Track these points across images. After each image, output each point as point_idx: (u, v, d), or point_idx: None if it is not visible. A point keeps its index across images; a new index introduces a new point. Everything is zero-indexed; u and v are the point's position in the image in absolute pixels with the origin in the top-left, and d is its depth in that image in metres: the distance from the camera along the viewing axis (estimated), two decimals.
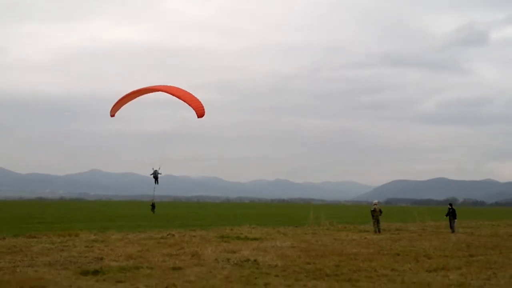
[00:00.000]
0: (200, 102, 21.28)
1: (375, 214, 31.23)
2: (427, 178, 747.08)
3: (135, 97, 22.31)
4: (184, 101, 20.85)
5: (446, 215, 33.39)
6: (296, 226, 35.38)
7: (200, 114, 20.90)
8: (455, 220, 32.78)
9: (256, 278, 12.98)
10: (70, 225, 34.40)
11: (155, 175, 53.34)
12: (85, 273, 13.15)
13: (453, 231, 31.55)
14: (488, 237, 28.92)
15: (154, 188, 40.06)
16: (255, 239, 24.35)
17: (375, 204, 32.00)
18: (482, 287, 12.48)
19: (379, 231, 30.55)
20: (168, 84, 22.09)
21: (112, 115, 22.93)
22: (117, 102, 22.29)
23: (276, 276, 13.37)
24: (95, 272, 13.19)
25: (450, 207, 33.53)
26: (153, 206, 57.17)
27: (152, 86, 21.66)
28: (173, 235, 25.77)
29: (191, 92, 21.70)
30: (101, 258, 15.92)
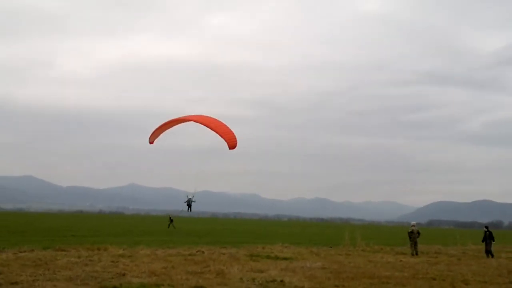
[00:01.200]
0: (233, 133, 21.69)
1: (413, 236, 30.11)
2: (471, 200, 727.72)
3: (172, 126, 22.86)
4: (217, 132, 21.16)
5: (483, 240, 31.24)
6: (331, 247, 34.45)
7: (232, 145, 21.27)
8: (493, 243, 30.89)
9: None
10: (102, 239, 34.47)
11: (189, 203, 54.22)
12: None
13: (491, 256, 29.95)
14: None
15: (182, 210, 40.75)
16: (285, 258, 23.69)
17: (413, 226, 30.90)
18: None
19: (417, 254, 29.38)
20: (204, 114, 22.61)
21: (151, 142, 23.52)
22: (155, 130, 22.84)
23: None
24: None
25: (486, 229, 31.68)
26: (171, 220, 59.14)
27: (188, 116, 22.21)
28: (203, 252, 25.37)
29: (225, 123, 22.19)
30: (124, 274, 15.59)
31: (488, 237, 30.80)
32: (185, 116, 22.06)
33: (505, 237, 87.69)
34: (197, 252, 25.21)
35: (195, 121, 21.64)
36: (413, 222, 31.88)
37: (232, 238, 43.03)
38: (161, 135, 23.64)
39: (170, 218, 63.07)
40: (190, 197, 56.57)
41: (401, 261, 25.24)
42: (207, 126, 21.23)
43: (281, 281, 15.37)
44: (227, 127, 21.64)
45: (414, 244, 29.98)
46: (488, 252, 30.38)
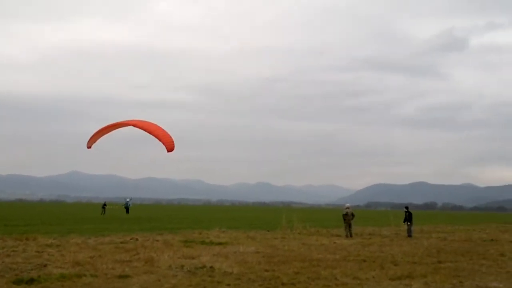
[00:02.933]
0: (170, 137, 22.12)
1: (347, 218, 30.51)
2: (408, 182, 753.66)
3: (111, 131, 22.71)
4: (156, 136, 21.27)
5: (404, 221, 31.88)
6: (268, 230, 34.48)
7: (170, 148, 21.51)
8: (410, 223, 31.47)
9: (205, 287, 12.07)
10: (35, 228, 33.13)
11: (126, 206, 54.26)
12: (19, 282, 12.10)
13: (410, 235, 30.62)
14: (461, 242, 28.33)
15: (118, 208, 40.94)
16: (220, 243, 23.43)
17: (347, 208, 31.27)
18: None
19: (351, 236, 29.82)
20: (142, 119, 22.62)
21: (89, 147, 23.03)
22: (94, 135, 22.47)
23: (228, 285, 12.47)
24: (30, 281, 12.15)
25: (406, 210, 32.22)
26: (104, 207, 58.28)
27: (126, 121, 22.19)
28: (136, 239, 24.70)
29: (162, 126, 22.28)
30: (45, 265, 14.85)
31: (408, 218, 31.34)
32: (123, 121, 22.11)
33: (438, 217, 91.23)
34: (130, 239, 24.52)
35: (133, 125, 21.65)
36: (347, 204, 32.30)
37: (171, 225, 42.40)
38: (99, 140, 23.39)
39: (104, 204, 61.82)
40: (127, 200, 56.55)
41: (335, 243, 25.50)
42: (145, 130, 21.50)
43: (211, 267, 15.07)
44: (165, 131, 22.02)
45: (348, 226, 30.39)
46: (408, 231, 31.02)
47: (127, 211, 53.78)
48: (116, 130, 22.88)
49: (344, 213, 30.97)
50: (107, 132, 22.78)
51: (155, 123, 22.51)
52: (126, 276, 13.31)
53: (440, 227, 45.43)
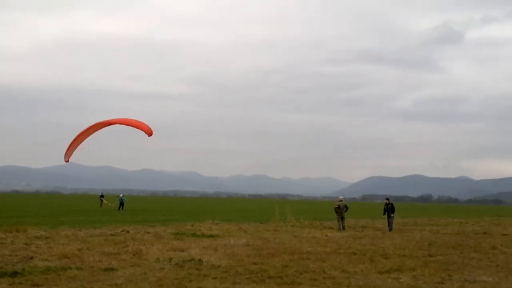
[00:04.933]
0: (146, 125, 21.34)
1: (339, 210, 30.39)
2: (403, 175, 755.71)
3: (85, 138, 22.05)
4: (132, 125, 20.93)
5: (384, 213, 30.26)
6: (261, 223, 34.41)
7: (150, 132, 21.06)
8: (393, 216, 30.02)
9: (190, 281, 11.94)
10: (27, 220, 33.00)
11: (121, 201, 54.63)
12: (2, 275, 11.93)
13: (390, 229, 29.46)
14: (453, 235, 28.27)
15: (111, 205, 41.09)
16: (211, 236, 23.32)
17: (340, 201, 31.13)
18: None
19: (344, 228, 29.73)
20: (118, 117, 22.18)
21: (67, 161, 22.43)
22: (69, 147, 21.80)
23: (214, 278, 12.35)
24: (14, 274, 12.00)
25: (388, 202, 30.40)
26: (101, 198, 59.24)
27: (98, 123, 21.38)
28: (128, 231, 24.56)
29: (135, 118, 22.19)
30: (31, 258, 14.70)
31: (390, 210, 30.02)
32: (95, 124, 21.37)
33: (433, 210, 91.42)
34: (121, 231, 24.38)
35: (107, 124, 21.17)
36: (340, 197, 32.17)
37: (164, 217, 42.32)
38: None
39: (101, 196, 62.04)
40: (121, 196, 56.99)
41: (326, 236, 25.41)
42: (121, 124, 21.08)
43: (199, 260, 14.95)
44: (138, 121, 21.48)
45: (341, 218, 30.29)
46: (389, 224, 29.93)
47: (121, 207, 53.86)
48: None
49: (336, 206, 30.83)
50: (82, 140, 22.21)
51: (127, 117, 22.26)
52: (112, 269, 13.18)
53: (434, 220, 45.42)
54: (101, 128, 21.04)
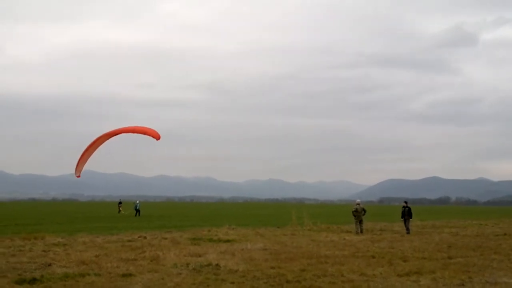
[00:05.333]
0: (153, 130, 21.37)
1: (357, 214, 30.18)
2: (421, 177, 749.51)
3: (94, 150, 22.05)
4: (139, 132, 20.93)
5: (402, 217, 30.47)
6: (278, 227, 34.30)
7: (157, 136, 20.96)
8: (410, 219, 30.39)
9: (208, 286, 11.90)
10: (44, 227, 33.24)
11: (136, 208, 55.48)
12: (21, 281, 12.02)
13: (408, 232, 29.44)
14: (473, 237, 27.92)
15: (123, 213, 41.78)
16: (228, 241, 23.28)
17: (357, 204, 30.92)
18: None
19: (362, 232, 29.51)
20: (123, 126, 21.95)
21: (78, 176, 22.43)
22: (79, 162, 21.84)
23: (232, 283, 12.29)
24: (33, 281, 12.06)
25: (405, 205, 30.57)
26: (119, 205, 60.04)
27: (105, 134, 21.42)
28: (145, 237, 24.63)
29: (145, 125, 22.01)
30: (50, 264, 14.77)
31: (407, 214, 30.12)
32: (100, 136, 21.45)
33: (451, 212, 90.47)
34: (138, 237, 24.45)
35: (112, 134, 21.16)
36: (358, 200, 31.96)
37: (181, 222, 42.41)
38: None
39: (119, 202, 62.48)
40: (137, 202, 57.77)
41: (344, 239, 25.22)
42: (128, 132, 21.06)
43: (217, 264, 14.91)
44: (145, 127, 21.45)
45: (359, 222, 30.08)
46: (407, 229, 29.90)
47: (137, 213, 54.45)
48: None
49: (353, 209, 30.64)
50: (91, 153, 22.23)
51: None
52: (130, 275, 13.19)
53: (453, 222, 44.94)
54: (108, 138, 21.07)
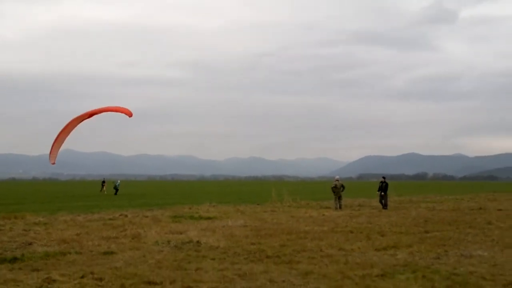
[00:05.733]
0: (125, 108, 21.14)
1: (336, 190, 30.56)
2: (399, 154, 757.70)
3: (67, 135, 21.66)
4: (111, 110, 20.73)
5: (379, 190, 31.25)
6: (258, 204, 34.58)
7: (130, 113, 20.69)
8: (384, 194, 30.84)
9: (189, 262, 12.04)
10: (25, 207, 33.06)
11: (116, 187, 55.09)
12: (2, 261, 11.98)
13: (385, 207, 30.11)
14: (449, 211, 28.51)
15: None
16: (209, 218, 23.43)
17: (336, 180, 31.28)
18: (429, 266, 11.69)
19: (340, 208, 29.92)
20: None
21: (53, 163, 22.06)
22: (53, 149, 21.44)
23: (213, 259, 12.45)
24: (13, 260, 12.06)
25: (383, 180, 31.16)
26: (103, 184, 59.57)
27: (77, 117, 20.84)
28: (126, 215, 24.67)
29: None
30: (30, 243, 14.77)
31: (384, 189, 30.78)
32: (71, 121, 20.89)
33: (428, 187, 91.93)
34: (119, 216, 24.47)
35: (83, 118, 20.67)
36: (337, 177, 32.33)
37: (162, 200, 42.48)
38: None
39: (103, 181, 62.09)
40: (116, 184, 57.36)
41: (323, 215, 25.58)
42: (100, 113, 20.73)
43: (198, 241, 15.05)
44: (116, 106, 21.33)
45: (338, 198, 30.47)
46: (384, 204, 30.57)
47: (116, 192, 54.42)
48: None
49: (333, 185, 31.00)
50: (64, 139, 21.98)
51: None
52: (111, 253, 13.27)
53: (430, 197, 45.75)
54: (80, 122, 20.82)
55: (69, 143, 21.69)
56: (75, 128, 20.58)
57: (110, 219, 22.96)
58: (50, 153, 20.93)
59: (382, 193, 30.81)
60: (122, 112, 20.34)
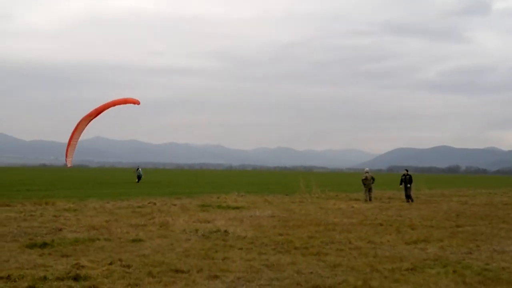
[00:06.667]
0: (131, 98, 21.34)
1: (367, 182, 30.23)
2: (430, 146, 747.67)
3: (80, 135, 21.86)
4: (119, 103, 20.86)
5: (401, 184, 30.38)
6: (287, 195, 34.47)
7: (137, 102, 20.70)
8: (410, 186, 29.76)
9: (216, 251, 12.00)
10: (55, 193, 33.60)
11: (139, 174, 54.75)
12: (32, 246, 12.19)
13: (410, 200, 29.33)
14: (481, 206, 27.91)
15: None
16: (237, 207, 23.43)
17: (366, 172, 30.94)
18: (460, 261, 11.41)
19: (370, 200, 29.58)
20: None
21: (70, 166, 22.38)
22: (68, 151, 21.68)
23: (240, 249, 12.40)
24: (43, 245, 12.21)
25: (406, 173, 30.31)
26: (138, 175, 57.56)
27: (87, 115, 21.14)
28: (154, 203, 24.83)
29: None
30: (60, 229, 14.97)
31: (408, 181, 29.86)
32: (81, 120, 21.27)
33: (460, 181, 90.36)
34: (148, 203, 24.65)
35: (93, 116, 21.01)
36: (367, 169, 31.95)
37: (190, 189, 42.70)
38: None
39: (137, 169, 62.18)
40: (138, 171, 57.07)
41: (352, 207, 25.29)
42: (108, 108, 20.91)
43: (225, 231, 15.02)
44: (123, 98, 21.33)
45: (368, 190, 30.14)
46: (408, 197, 29.81)
47: (138, 180, 54.36)
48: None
49: (363, 177, 30.68)
50: (77, 139, 22.09)
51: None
52: (140, 240, 13.34)
53: (462, 191, 44.92)
54: (92, 120, 20.94)
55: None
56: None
57: (138, 206, 23.15)
58: (66, 156, 21.18)
59: (408, 185, 30.01)
60: (129, 102, 20.44)
